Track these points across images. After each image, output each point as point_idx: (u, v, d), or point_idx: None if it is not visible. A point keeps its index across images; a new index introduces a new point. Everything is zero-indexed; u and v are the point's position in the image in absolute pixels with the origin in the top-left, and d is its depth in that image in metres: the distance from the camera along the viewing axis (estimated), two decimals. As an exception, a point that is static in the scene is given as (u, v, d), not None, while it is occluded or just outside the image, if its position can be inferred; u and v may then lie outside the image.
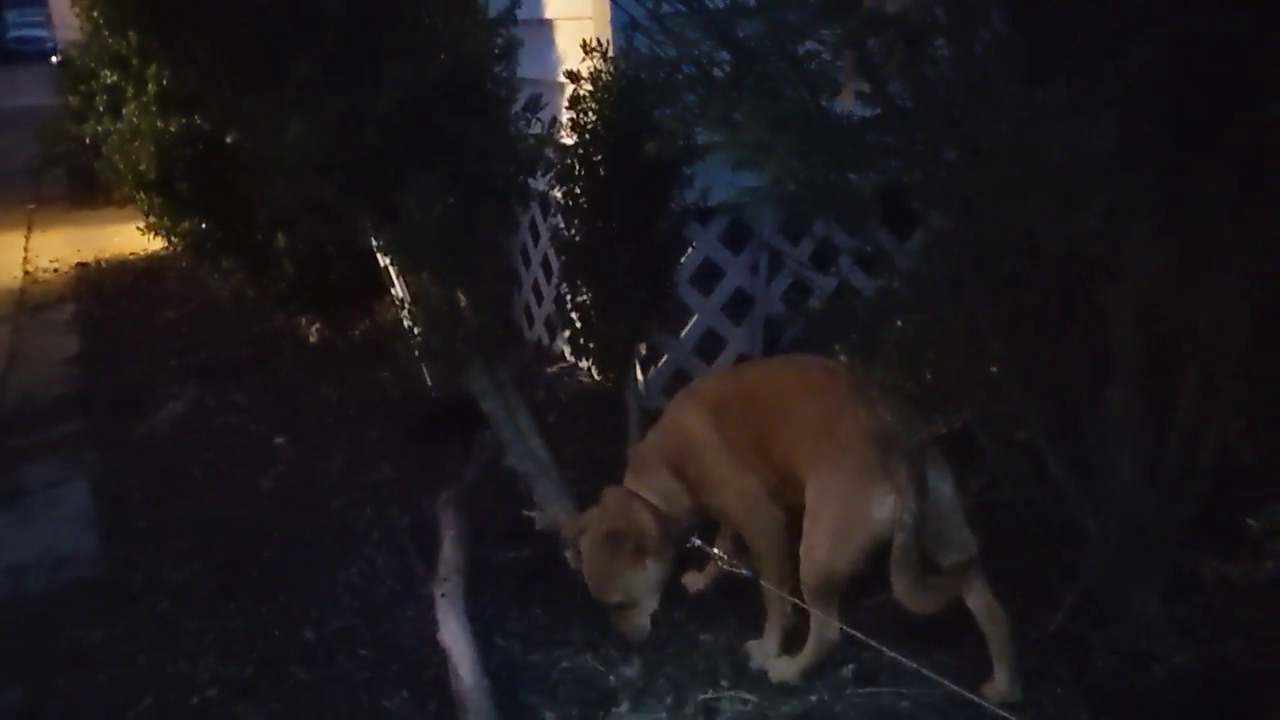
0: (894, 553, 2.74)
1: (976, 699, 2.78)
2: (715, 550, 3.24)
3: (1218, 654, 2.95)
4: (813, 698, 2.96)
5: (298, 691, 3.20)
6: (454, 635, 3.16)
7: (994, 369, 2.88)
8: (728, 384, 3.34)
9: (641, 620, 3.18)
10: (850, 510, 2.82)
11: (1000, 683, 2.84)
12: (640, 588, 3.15)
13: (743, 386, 3.25)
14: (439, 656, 3.18)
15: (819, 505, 2.88)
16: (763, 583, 3.12)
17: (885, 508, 2.75)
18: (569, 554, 3.45)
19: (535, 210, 5.73)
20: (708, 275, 5.13)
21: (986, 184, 2.25)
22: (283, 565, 3.99)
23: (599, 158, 3.98)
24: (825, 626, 2.93)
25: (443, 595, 3.34)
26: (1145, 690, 2.85)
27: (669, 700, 3.00)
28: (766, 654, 3.13)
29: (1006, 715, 2.71)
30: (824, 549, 2.85)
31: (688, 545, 3.22)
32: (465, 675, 2.99)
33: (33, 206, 13.06)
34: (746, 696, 2.98)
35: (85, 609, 3.76)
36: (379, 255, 5.77)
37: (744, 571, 3.12)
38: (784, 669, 3.04)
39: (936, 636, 3.08)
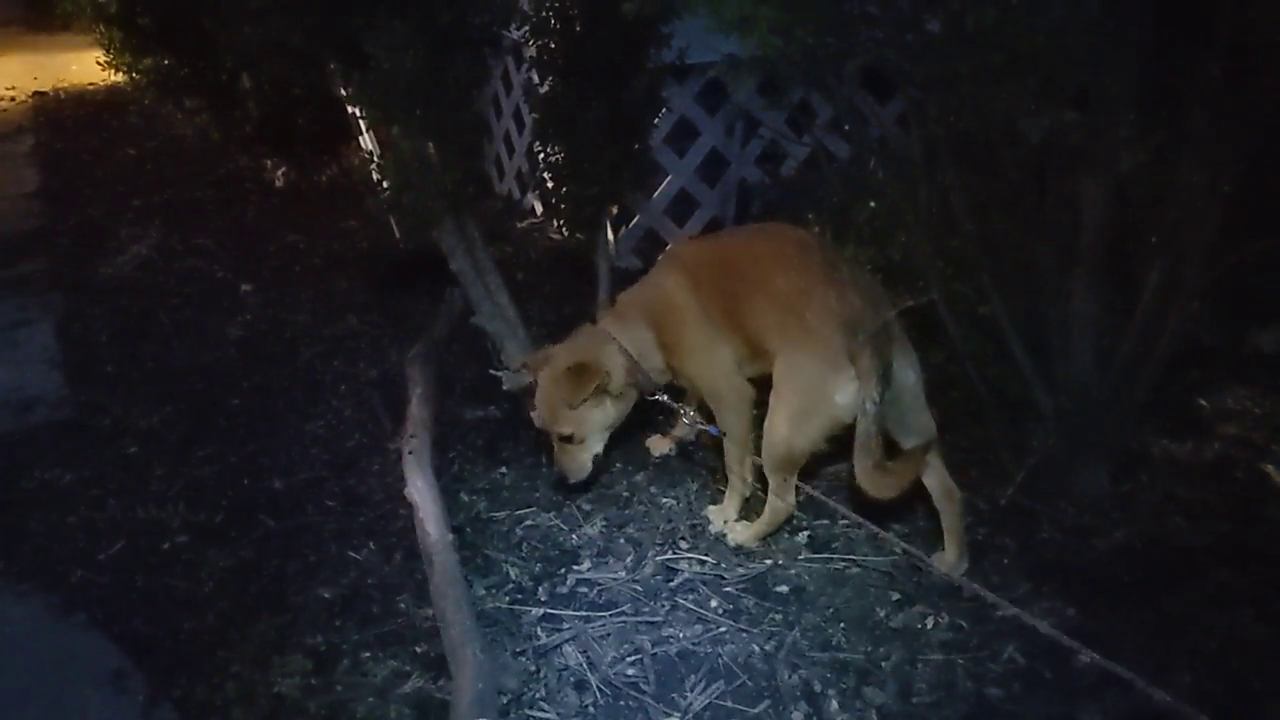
0: (856, 439, 2.80)
1: (925, 566, 2.91)
2: (681, 407, 3.24)
3: (1159, 530, 3.06)
4: (768, 561, 3.06)
5: (267, 539, 3.27)
6: (420, 491, 3.21)
7: (963, 249, 2.88)
8: (708, 250, 3.29)
9: (584, 458, 3.22)
10: (813, 393, 2.86)
11: (950, 555, 2.96)
12: (592, 425, 3.17)
13: (721, 254, 3.22)
14: (405, 510, 3.24)
15: (784, 383, 2.92)
16: (726, 449, 3.18)
17: (848, 394, 2.81)
18: (525, 375, 3.40)
19: (509, 61, 5.58)
20: (683, 135, 5.06)
21: (969, 68, 2.22)
22: (250, 414, 4.02)
23: (574, 11, 3.86)
24: (781, 497, 3.01)
25: (410, 452, 3.38)
26: (1087, 563, 2.97)
27: (629, 559, 3.10)
28: (725, 519, 3.22)
29: (953, 582, 2.86)
30: (786, 427, 2.91)
31: (652, 397, 3.22)
32: (431, 530, 3.05)
33: (-14, 28, 12.55)
34: (704, 558, 3.08)
35: (54, 451, 3.79)
36: (348, 102, 5.65)
37: (711, 430, 3.16)
38: (741, 533, 3.14)
39: (888, 507, 3.18)
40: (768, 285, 2.99)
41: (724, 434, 3.16)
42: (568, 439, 3.17)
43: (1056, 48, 2.22)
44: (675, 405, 3.24)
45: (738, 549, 3.11)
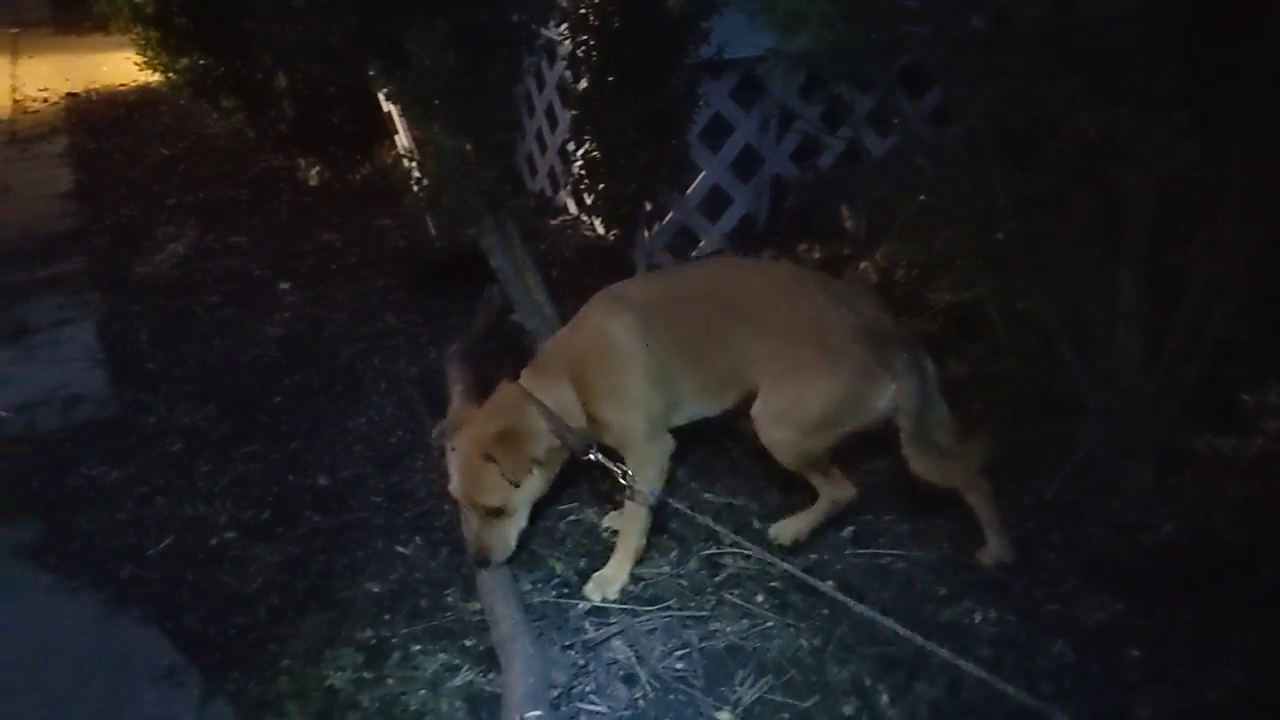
0: (908, 436, 2.82)
1: (971, 561, 2.92)
2: (619, 466, 2.93)
3: (1206, 525, 3.05)
4: (813, 556, 3.07)
5: (313, 536, 3.30)
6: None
7: (1008, 245, 2.88)
8: (660, 287, 3.10)
9: (510, 533, 2.94)
10: (846, 404, 2.84)
11: (993, 548, 2.95)
12: (520, 497, 2.91)
13: (681, 289, 3.06)
14: (450, 506, 3.26)
15: (796, 404, 2.86)
16: (630, 509, 2.99)
17: (887, 397, 2.82)
18: (441, 441, 3.11)
19: (542, 58, 5.59)
20: (717, 131, 5.06)
21: (1017, 64, 2.22)
22: (292, 412, 4.05)
23: (613, 8, 3.87)
24: (836, 486, 3.02)
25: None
26: (1134, 558, 2.96)
27: (673, 555, 3.11)
28: (612, 587, 2.95)
29: (999, 576, 2.86)
30: (795, 433, 2.87)
31: (586, 458, 2.94)
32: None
33: (16, 31, 12.69)
34: (748, 553, 3.08)
35: (100, 449, 3.83)
36: (382, 101, 5.68)
37: (650, 491, 2.90)
38: (788, 531, 3.12)
39: (934, 501, 3.18)
40: (768, 317, 2.92)
41: (630, 490, 2.93)
42: (495, 513, 2.88)
43: (1106, 42, 2.21)
44: (610, 465, 2.93)
45: (788, 546, 3.10)
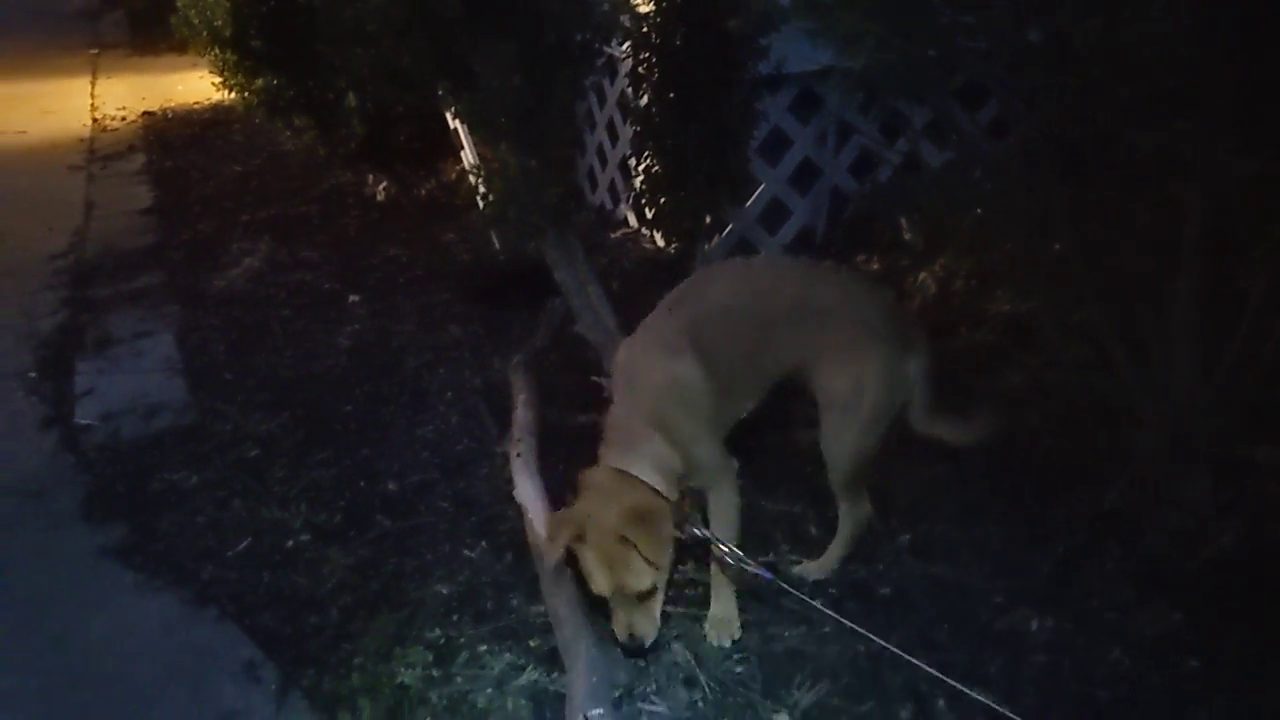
0: (925, 401, 2.92)
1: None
2: (712, 537, 2.82)
3: (1265, 537, 3.04)
4: (869, 565, 3.11)
5: (383, 539, 3.42)
6: (528, 494, 3.33)
7: (1064, 257, 2.91)
8: (692, 310, 2.95)
9: (656, 612, 2.77)
10: (888, 385, 2.87)
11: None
12: (663, 573, 2.76)
13: (718, 304, 2.95)
14: (514, 511, 3.37)
15: (848, 396, 2.86)
16: (719, 548, 2.82)
17: (916, 366, 2.90)
18: (553, 553, 2.82)
19: (603, 74, 5.70)
20: (775, 145, 5.12)
21: (1074, 82, 2.26)
22: (362, 420, 4.19)
23: (674, 26, 3.96)
24: (861, 506, 3.04)
25: (517, 455, 3.50)
26: (1191, 569, 2.96)
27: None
28: (731, 630, 2.90)
29: (1055, 587, 2.88)
30: (858, 435, 2.89)
31: (684, 532, 2.82)
32: (539, 530, 3.16)
33: (95, 52, 13.10)
34: (806, 561, 3.14)
35: (179, 455, 3.99)
36: (449, 118, 5.83)
37: (763, 573, 2.69)
38: (820, 565, 3.11)
39: (989, 511, 3.22)
40: (803, 308, 2.92)
41: (712, 535, 2.80)
42: (645, 596, 2.72)
43: (1162, 56, 2.24)
44: (709, 536, 2.81)
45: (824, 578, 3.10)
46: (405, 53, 3.87)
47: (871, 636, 2.54)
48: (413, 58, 3.89)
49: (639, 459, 2.77)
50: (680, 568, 3.05)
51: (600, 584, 2.70)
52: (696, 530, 2.81)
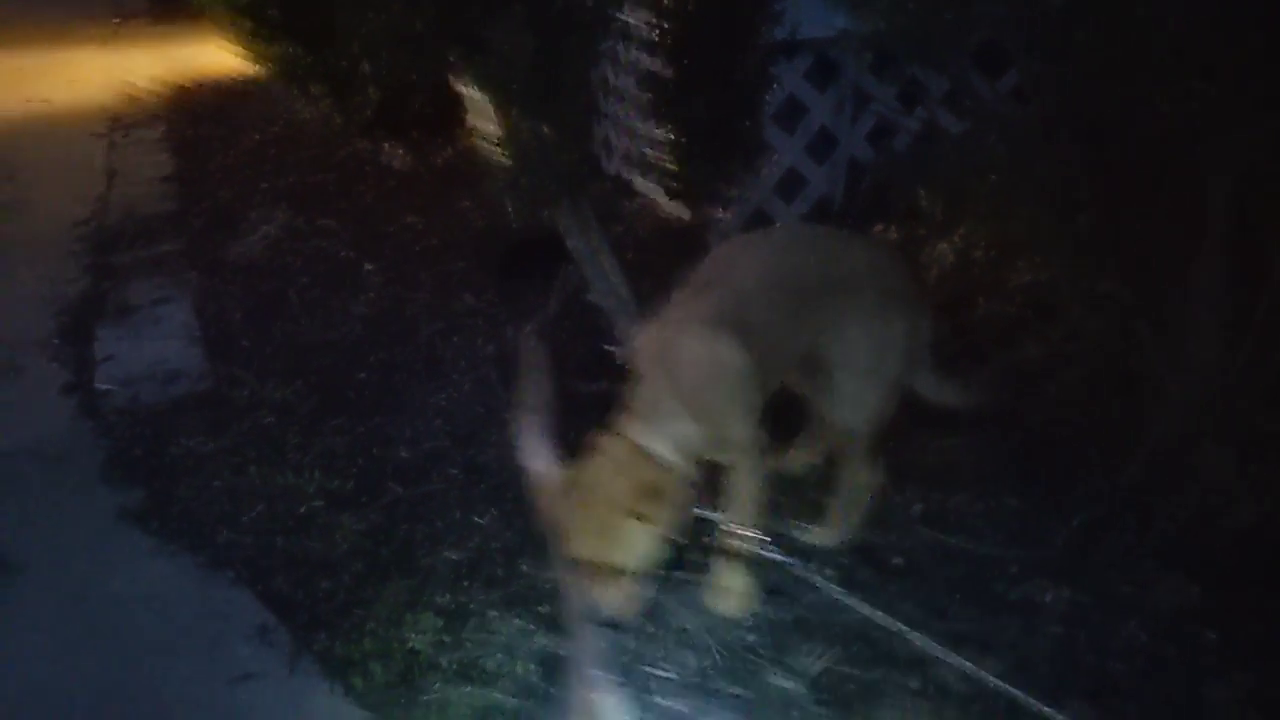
0: (931, 365, 2.97)
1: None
2: (729, 523, 2.84)
3: (1286, 514, 3.01)
4: (881, 534, 3.09)
5: (396, 505, 3.43)
6: (538, 460, 3.33)
7: (1087, 227, 2.86)
8: (725, 290, 2.81)
9: (633, 589, 2.65)
10: (905, 351, 2.88)
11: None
12: (646, 554, 2.64)
13: (750, 281, 2.83)
14: (524, 479, 3.36)
15: (873, 358, 2.85)
16: (735, 526, 2.85)
17: (925, 332, 2.94)
18: (552, 511, 2.79)
19: (617, 40, 5.65)
20: (792, 112, 5.07)
21: (1095, 44, 2.21)
22: (377, 388, 4.19)
23: (687, -9, 3.92)
24: (870, 473, 3.03)
25: (529, 423, 3.50)
26: (1212, 543, 2.93)
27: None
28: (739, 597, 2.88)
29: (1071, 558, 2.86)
30: (880, 400, 2.89)
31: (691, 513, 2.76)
32: (551, 500, 3.16)
33: (117, 21, 13.11)
34: (817, 528, 3.12)
35: (197, 421, 4.00)
36: (461, 86, 5.79)
37: (790, 560, 2.75)
38: (832, 533, 3.11)
39: (1004, 481, 3.20)
40: (828, 278, 2.87)
41: (733, 517, 2.78)
42: (615, 571, 2.61)
43: (1188, 19, 2.19)
44: (717, 518, 2.81)
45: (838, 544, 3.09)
46: (415, 19, 3.84)
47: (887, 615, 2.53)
48: (423, 24, 3.85)
49: (662, 436, 2.66)
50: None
51: (596, 551, 2.59)
52: (709, 514, 2.76)
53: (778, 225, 3.06)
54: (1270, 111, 2.44)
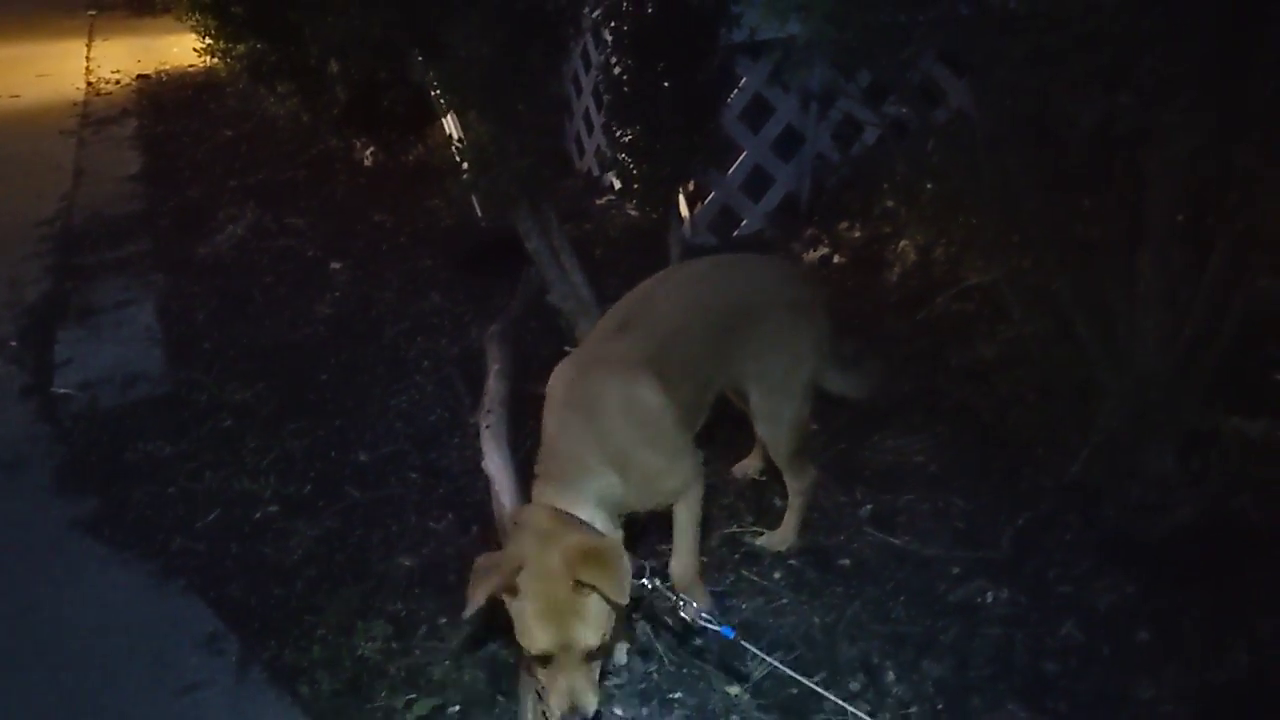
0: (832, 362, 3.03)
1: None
2: (670, 591, 2.53)
3: (1227, 508, 3.03)
4: (831, 536, 3.12)
5: (352, 510, 3.44)
6: (497, 465, 3.34)
7: (1026, 227, 2.89)
8: (644, 332, 2.69)
9: (596, 674, 2.38)
10: (816, 354, 2.93)
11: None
12: (617, 620, 2.41)
13: (668, 322, 2.72)
14: (482, 482, 3.37)
15: (783, 374, 2.87)
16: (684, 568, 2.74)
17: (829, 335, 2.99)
18: (474, 602, 2.32)
19: (588, 38, 5.65)
20: (758, 111, 5.08)
21: (1021, 50, 2.23)
22: (338, 389, 4.20)
23: (646, -6, 3.92)
24: (808, 474, 3.06)
25: (487, 427, 3.51)
26: (1150, 540, 2.96)
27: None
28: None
29: (1013, 558, 2.89)
30: (797, 410, 2.91)
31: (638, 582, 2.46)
32: (506, 502, 3.17)
33: (93, 13, 13.07)
34: (767, 532, 3.15)
35: (155, 425, 4.02)
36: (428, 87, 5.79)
37: (724, 630, 2.36)
38: (781, 537, 3.12)
39: (952, 484, 3.23)
40: (739, 308, 2.85)
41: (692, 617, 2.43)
42: (595, 653, 2.34)
43: (1113, 28, 2.21)
44: (660, 586, 2.51)
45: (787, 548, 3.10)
46: (374, 22, 3.84)
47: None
48: (383, 27, 3.86)
49: (582, 496, 2.47)
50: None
51: (541, 640, 2.29)
52: (646, 581, 2.48)
53: (694, 260, 3.02)
54: (1205, 113, 2.47)
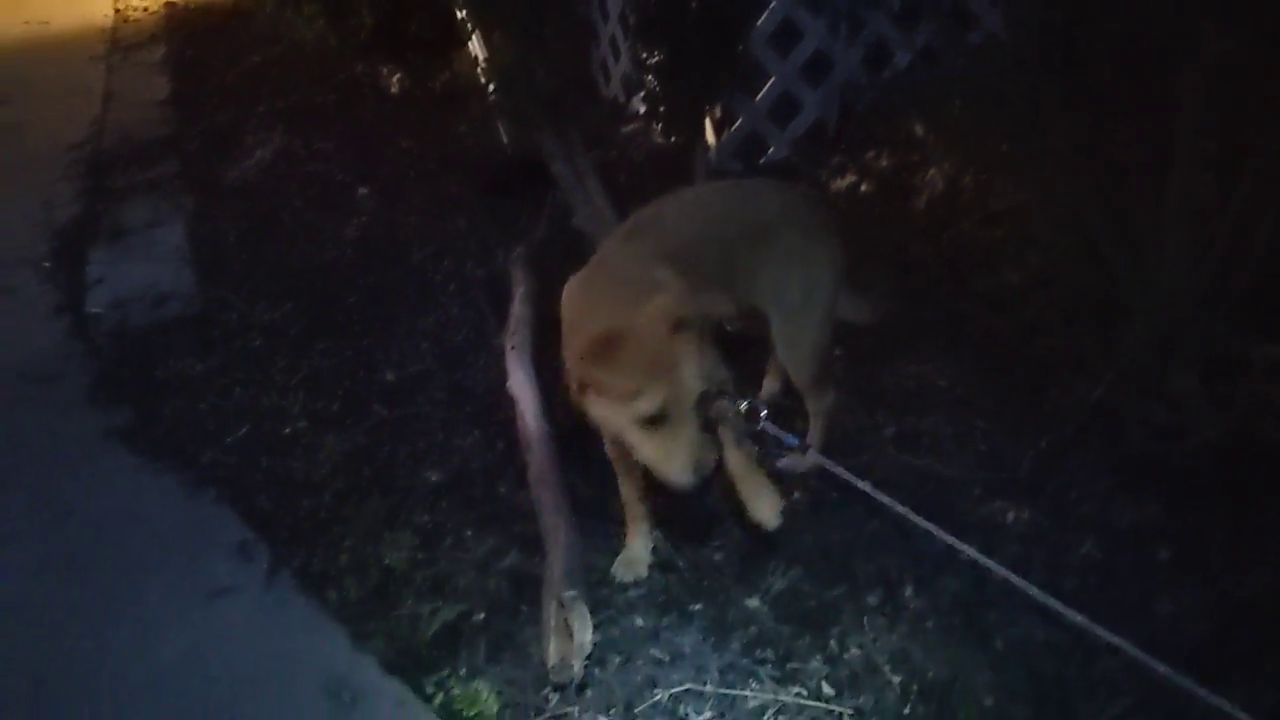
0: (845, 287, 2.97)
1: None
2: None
3: (1250, 432, 3.00)
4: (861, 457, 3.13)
5: (379, 427, 3.49)
6: (521, 385, 3.38)
7: (1055, 149, 2.85)
8: (655, 240, 2.66)
9: (695, 438, 2.36)
10: (831, 286, 2.89)
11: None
12: (694, 380, 2.36)
13: (678, 233, 2.71)
14: (507, 402, 3.41)
15: (801, 299, 2.85)
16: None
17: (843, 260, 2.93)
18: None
19: (614, -39, 5.57)
20: (786, 36, 5.00)
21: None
22: (366, 311, 4.23)
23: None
24: (826, 397, 3.04)
25: (512, 348, 3.54)
26: (1173, 461, 2.95)
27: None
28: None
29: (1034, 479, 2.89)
30: (816, 335, 2.90)
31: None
32: (530, 422, 3.22)
33: (119, -60, 12.94)
34: (788, 452, 3.16)
35: (186, 343, 4.08)
36: (456, 8, 5.73)
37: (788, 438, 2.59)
38: (801, 460, 3.12)
39: (974, 406, 3.23)
40: (750, 229, 2.82)
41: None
42: (659, 419, 2.30)
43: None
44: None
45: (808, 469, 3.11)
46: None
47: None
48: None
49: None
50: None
51: (640, 407, 2.26)
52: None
53: (695, 185, 2.98)
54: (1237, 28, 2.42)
